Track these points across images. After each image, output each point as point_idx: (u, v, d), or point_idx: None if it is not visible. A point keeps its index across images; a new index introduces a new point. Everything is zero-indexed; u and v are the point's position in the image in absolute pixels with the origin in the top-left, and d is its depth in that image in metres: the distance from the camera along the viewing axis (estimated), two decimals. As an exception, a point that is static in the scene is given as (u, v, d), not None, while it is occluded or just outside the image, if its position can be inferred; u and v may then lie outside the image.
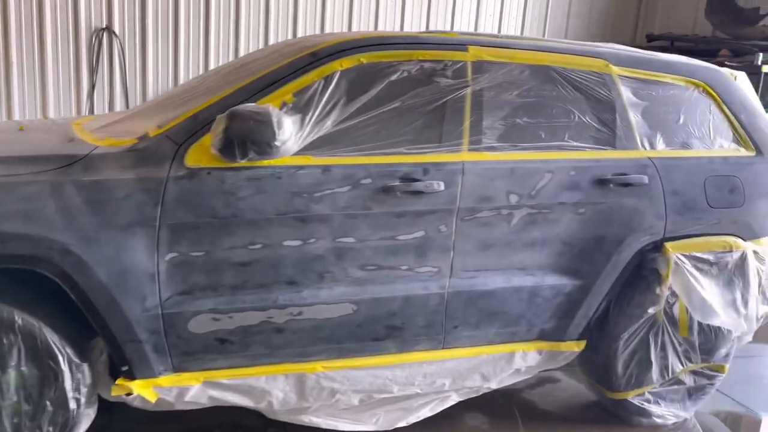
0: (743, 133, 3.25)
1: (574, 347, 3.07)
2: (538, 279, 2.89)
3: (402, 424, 2.93)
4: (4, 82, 6.39)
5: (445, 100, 2.75)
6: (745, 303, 3.14)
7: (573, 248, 2.92)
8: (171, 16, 6.82)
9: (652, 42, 8.20)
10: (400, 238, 2.64)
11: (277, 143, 2.37)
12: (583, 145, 2.95)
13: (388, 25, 7.51)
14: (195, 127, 2.44)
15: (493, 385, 3.03)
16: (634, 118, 3.05)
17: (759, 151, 3.26)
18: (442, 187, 2.66)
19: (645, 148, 3.05)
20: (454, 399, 3.01)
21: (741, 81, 3.41)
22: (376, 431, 2.90)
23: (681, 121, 3.16)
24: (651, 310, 3.06)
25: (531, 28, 8.20)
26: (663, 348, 3.16)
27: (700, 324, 3.15)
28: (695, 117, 3.19)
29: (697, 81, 3.20)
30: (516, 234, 2.81)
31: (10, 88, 6.37)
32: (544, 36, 8.25)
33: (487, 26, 7.99)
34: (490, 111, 2.82)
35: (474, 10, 7.92)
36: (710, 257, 3.07)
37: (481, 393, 3.05)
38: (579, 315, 3.00)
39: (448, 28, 7.74)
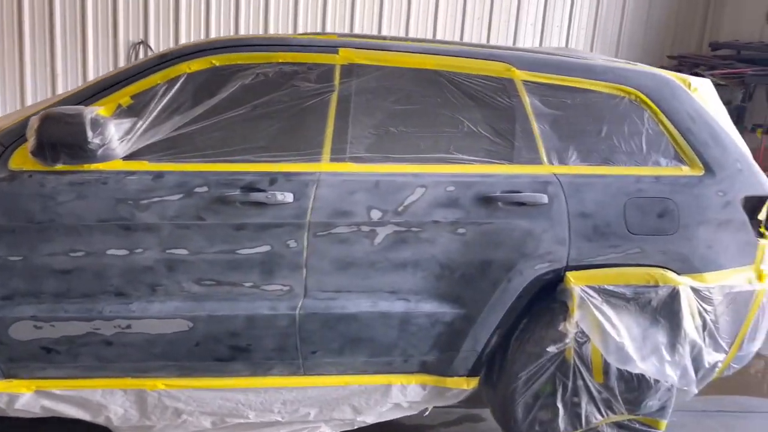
0: (688, 149, 2.79)
1: (462, 384, 2.73)
2: (412, 305, 2.60)
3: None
4: (51, 91, 6.84)
5: (306, 105, 2.55)
6: (672, 348, 2.67)
7: (454, 273, 2.60)
8: (203, 29, 7.05)
9: (717, 50, 7.49)
10: (242, 252, 2.46)
11: (91, 146, 2.28)
12: (470, 158, 2.63)
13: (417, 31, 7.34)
14: (23, 130, 2.40)
15: (369, 419, 2.75)
16: (540, 129, 2.70)
17: (709, 171, 2.79)
18: (289, 198, 2.45)
19: (552, 163, 2.68)
20: (324, 431, 2.77)
21: (701, 90, 2.94)
22: (234, 458, 2.71)
23: (603, 133, 2.76)
24: (551, 349, 2.67)
25: (577, 40, 7.71)
26: (575, 393, 2.74)
27: (619, 369, 2.71)
28: (623, 129, 2.77)
29: (628, 89, 2.78)
30: (381, 253, 2.54)
31: (54, 99, 6.84)
32: (592, 49, 7.74)
33: (527, 39, 7.60)
34: (360, 118, 2.59)
35: (513, 20, 7.56)
36: (626, 292, 2.64)
37: (356, 427, 2.78)
38: (465, 348, 2.67)
39: (481, 39, 7.42)
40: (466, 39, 7.41)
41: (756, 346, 2.99)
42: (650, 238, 2.68)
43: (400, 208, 2.52)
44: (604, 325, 2.60)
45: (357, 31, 7.15)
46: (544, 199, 2.61)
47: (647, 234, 2.68)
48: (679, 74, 2.94)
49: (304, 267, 2.50)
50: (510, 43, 7.51)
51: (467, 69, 2.68)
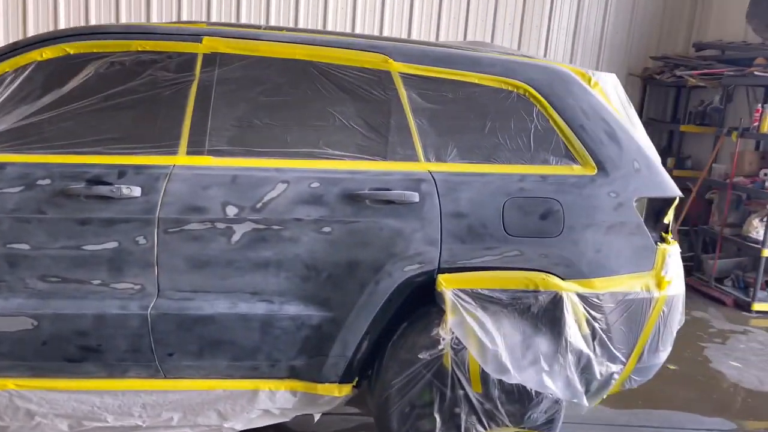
0: (580, 147, 2.62)
1: (334, 391, 2.59)
2: (276, 307, 2.47)
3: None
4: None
5: (163, 95, 2.45)
6: (552, 358, 2.51)
7: (320, 274, 2.47)
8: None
9: (701, 51, 7.25)
10: (87, 248, 2.36)
11: None
12: (340, 153, 2.50)
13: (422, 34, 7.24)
14: None
15: (237, 426, 2.62)
16: (418, 124, 2.56)
17: (602, 170, 2.62)
18: (136, 192, 2.35)
19: (429, 160, 2.54)
20: (191, 438, 2.65)
21: (603, 85, 2.77)
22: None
23: (487, 129, 2.60)
24: (423, 356, 2.52)
25: (557, 41, 7.51)
26: (455, 403, 2.59)
27: (499, 378, 2.55)
28: (509, 125, 2.61)
29: (516, 82, 2.63)
30: (240, 252, 2.42)
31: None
32: (573, 50, 7.53)
33: (505, 39, 7.42)
34: (222, 110, 2.47)
35: (491, 20, 7.38)
36: (503, 296, 2.49)
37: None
38: (334, 353, 2.53)
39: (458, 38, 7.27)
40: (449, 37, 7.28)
41: (661, 357, 2.81)
42: (531, 241, 2.52)
43: (258, 205, 2.40)
44: (477, 331, 2.44)
45: (358, 31, 7.06)
46: (415, 197, 2.47)
47: (527, 236, 2.52)
48: (579, 68, 2.77)
49: (155, 265, 2.39)
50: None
51: (341, 60, 2.55)
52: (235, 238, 2.41)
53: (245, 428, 2.65)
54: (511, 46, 7.38)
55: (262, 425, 2.67)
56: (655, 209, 2.79)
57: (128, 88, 2.43)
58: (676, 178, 6.80)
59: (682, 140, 7.11)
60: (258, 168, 2.44)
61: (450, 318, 2.45)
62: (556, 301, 2.51)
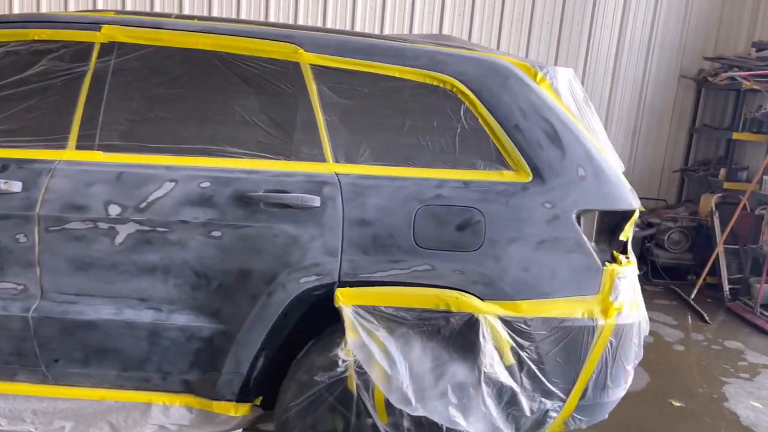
0: (514, 150, 2.31)
1: (230, 410, 2.38)
2: (164, 315, 2.30)
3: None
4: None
5: (55, 87, 2.32)
6: (463, 389, 2.20)
7: (211, 282, 2.27)
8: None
9: (761, 51, 6.58)
10: None
11: None
12: (238, 151, 2.30)
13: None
14: None
15: (132, 440, 2.46)
16: (327, 121, 2.31)
17: (539, 177, 2.29)
18: (16, 188, 2.23)
19: (338, 161, 2.30)
20: (86, 448, 2.51)
21: (554, 81, 2.44)
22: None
23: (407, 128, 2.33)
24: (320, 378, 2.27)
25: (600, 40, 7.01)
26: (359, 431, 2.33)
27: (405, 408, 2.26)
28: (432, 124, 2.33)
29: (442, 76, 2.34)
30: (125, 255, 2.26)
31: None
32: (618, 49, 7.01)
33: (543, 38, 6.99)
34: (115, 103, 2.32)
35: (559, 25, 6.98)
36: (408, 316, 2.21)
37: (121, 447, 2.50)
38: (227, 369, 2.33)
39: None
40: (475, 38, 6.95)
41: (613, 395, 2.44)
42: (445, 255, 2.22)
43: (142, 205, 2.23)
44: (376, 355, 2.17)
45: (358, 28, 6.87)
46: (316, 201, 2.23)
47: (441, 249, 2.23)
48: (525, 61, 2.45)
49: (37, 265, 2.27)
50: (524, 47, 6.96)
51: (247, 50, 2.35)
52: (119, 239, 2.25)
53: (141, 443, 2.48)
54: (549, 47, 6.97)
55: (159, 441, 2.50)
56: (610, 224, 2.43)
57: (21, 78, 2.33)
58: (726, 191, 6.22)
59: (735, 149, 6.46)
60: (146, 165, 2.27)
61: (349, 338, 2.19)
62: (471, 325, 2.20)
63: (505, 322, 2.23)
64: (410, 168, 2.30)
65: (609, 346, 2.33)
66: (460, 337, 2.21)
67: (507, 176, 2.30)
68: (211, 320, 2.29)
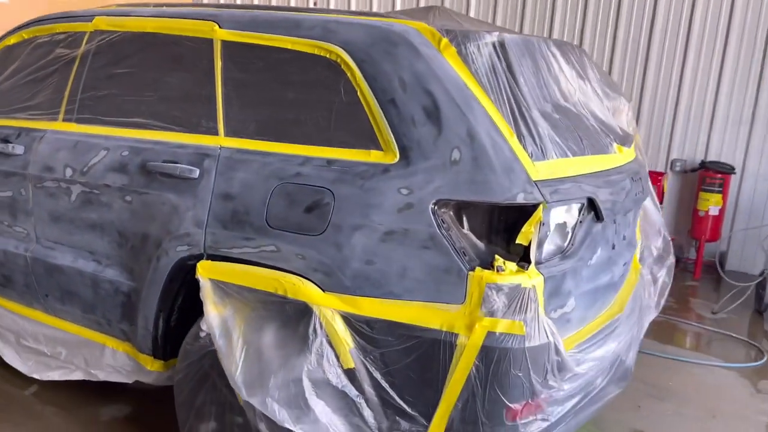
0: (385, 127, 2.03)
1: (148, 364, 2.57)
2: (100, 268, 2.60)
3: (48, 377, 3.02)
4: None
5: (58, 69, 2.81)
6: (288, 387, 2.02)
7: (127, 242, 2.50)
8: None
9: None
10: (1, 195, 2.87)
11: None
12: (156, 123, 2.48)
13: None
14: None
15: (101, 376, 2.81)
16: (225, 95, 2.34)
17: (405, 158, 1.98)
18: (19, 151, 2.77)
19: (228, 135, 2.31)
20: (78, 375, 2.93)
21: (465, 48, 2.06)
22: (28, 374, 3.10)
23: (289, 102, 2.22)
24: (190, 347, 2.31)
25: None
26: (235, 412, 2.30)
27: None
28: (314, 98, 2.18)
29: (329, 46, 2.16)
30: (76, 212, 2.63)
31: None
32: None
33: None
34: (88, 82, 2.70)
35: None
36: (250, 297, 2.13)
37: (99, 380, 2.85)
38: (140, 325, 2.52)
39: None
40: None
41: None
42: (290, 236, 2.07)
43: (85, 168, 2.57)
44: (217, 332, 2.15)
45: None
46: (195, 173, 2.29)
47: (286, 230, 2.08)
48: (432, 26, 2.10)
49: (32, 215, 2.78)
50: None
51: (177, 30, 2.50)
52: (72, 198, 2.62)
53: (105, 380, 2.81)
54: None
55: (119, 381, 2.79)
56: (508, 221, 1.95)
57: (41, 65, 2.86)
58: None
59: None
60: (94, 135, 2.60)
61: (205, 311, 2.20)
62: (305, 315, 2.01)
63: (347, 320, 1.97)
64: (283, 144, 2.18)
65: (475, 371, 1.88)
66: (295, 328, 2.04)
67: (374, 156, 2.02)
68: (129, 277, 2.52)
